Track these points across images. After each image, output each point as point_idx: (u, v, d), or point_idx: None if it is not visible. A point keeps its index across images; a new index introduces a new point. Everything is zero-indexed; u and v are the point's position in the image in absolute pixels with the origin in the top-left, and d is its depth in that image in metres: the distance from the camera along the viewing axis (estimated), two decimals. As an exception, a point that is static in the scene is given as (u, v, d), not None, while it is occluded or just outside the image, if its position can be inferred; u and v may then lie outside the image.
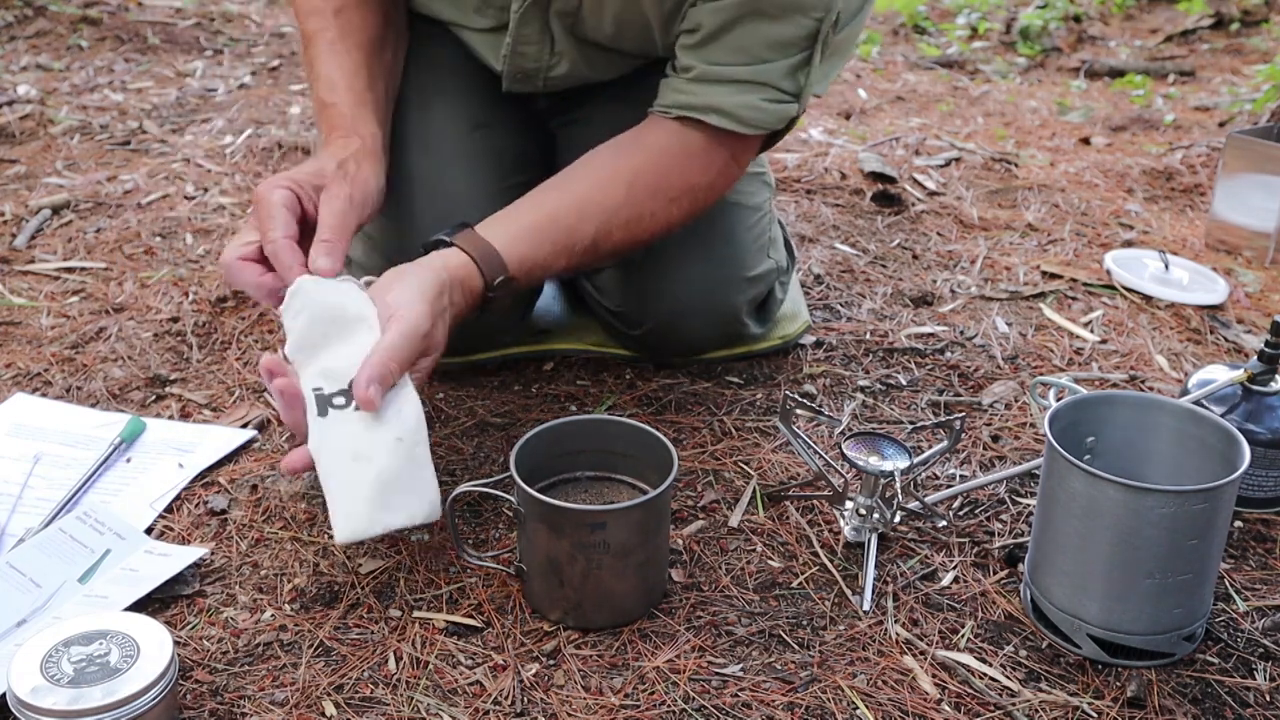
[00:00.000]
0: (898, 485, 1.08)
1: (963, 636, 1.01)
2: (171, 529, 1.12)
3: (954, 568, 1.09)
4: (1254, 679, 0.97)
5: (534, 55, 1.30)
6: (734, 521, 1.15)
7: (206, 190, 2.02)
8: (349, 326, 1.04)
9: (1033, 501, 1.19)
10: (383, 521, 0.98)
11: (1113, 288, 1.73)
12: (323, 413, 1.00)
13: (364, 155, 1.16)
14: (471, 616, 1.01)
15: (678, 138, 1.21)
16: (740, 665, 0.96)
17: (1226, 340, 1.59)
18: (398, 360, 1.00)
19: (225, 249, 1.09)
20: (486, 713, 0.91)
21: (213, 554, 1.08)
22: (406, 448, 1.00)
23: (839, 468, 1.19)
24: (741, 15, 1.14)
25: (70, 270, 1.68)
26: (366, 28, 1.26)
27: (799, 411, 1.25)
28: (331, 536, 1.11)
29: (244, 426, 1.28)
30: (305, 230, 1.09)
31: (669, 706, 0.91)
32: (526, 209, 1.18)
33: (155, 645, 0.87)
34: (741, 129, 1.20)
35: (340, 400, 1.01)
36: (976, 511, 1.18)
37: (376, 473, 0.98)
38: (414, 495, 1.00)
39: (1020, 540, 1.13)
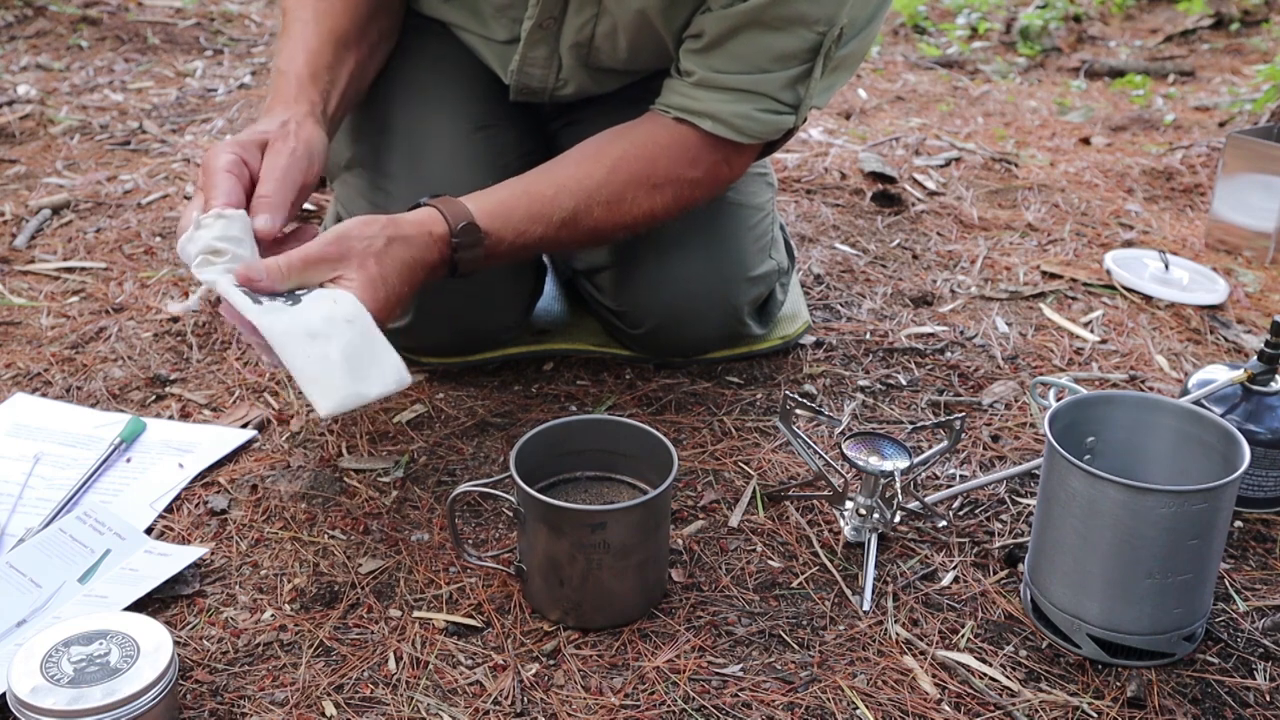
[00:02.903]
0: (898, 485, 1.08)
1: (963, 636, 1.01)
2: (171, 529, 1.12)
3: (954, 568, 1.09)
4: (1254, 679, 0.97)
5: (540, 77, 1.31)
6: (734, 521, 1.15)
7: (206, 190, 2.02)
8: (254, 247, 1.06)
9: (1033, 501, 1.19)
10: (360, 393, 0.99)
11: (1113, 288, 1.73)
12: (257, 301, 1.01)
13: (305, 117, 1.15)
14: (471, 616, 1.01)
15: (669, 132, 1.21)
16: (740, 665, 0.96)
17: (1226, 340, 1.59)
18: (303, 254, 1.03)
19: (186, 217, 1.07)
20: (486, 713, 0.91)
21: (213, 554, 1.08)
22: (358, 327, 1.01)
23: (839, 468, 1.19)
24: (744, 25, 1.14)
25: (70, 270, 1.68)
26: (346, 15, 1.25)
27: (799, 411, 1.25)
28: (333, 537, 1.11)
29: (244, 426, 1.28)
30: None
31: (669, 706, 0.91)
32: (506, 183, 1.20)
33: (155, 645, 0.87)
34: (736, 137, 1.20)
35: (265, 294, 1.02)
36: (976, 511, 1.18)
37: (340, 347, 0.99)
38: (382, 365, 1.02)
39: (1020, 540, 1.13)
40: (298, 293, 1.04)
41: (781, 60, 1.17)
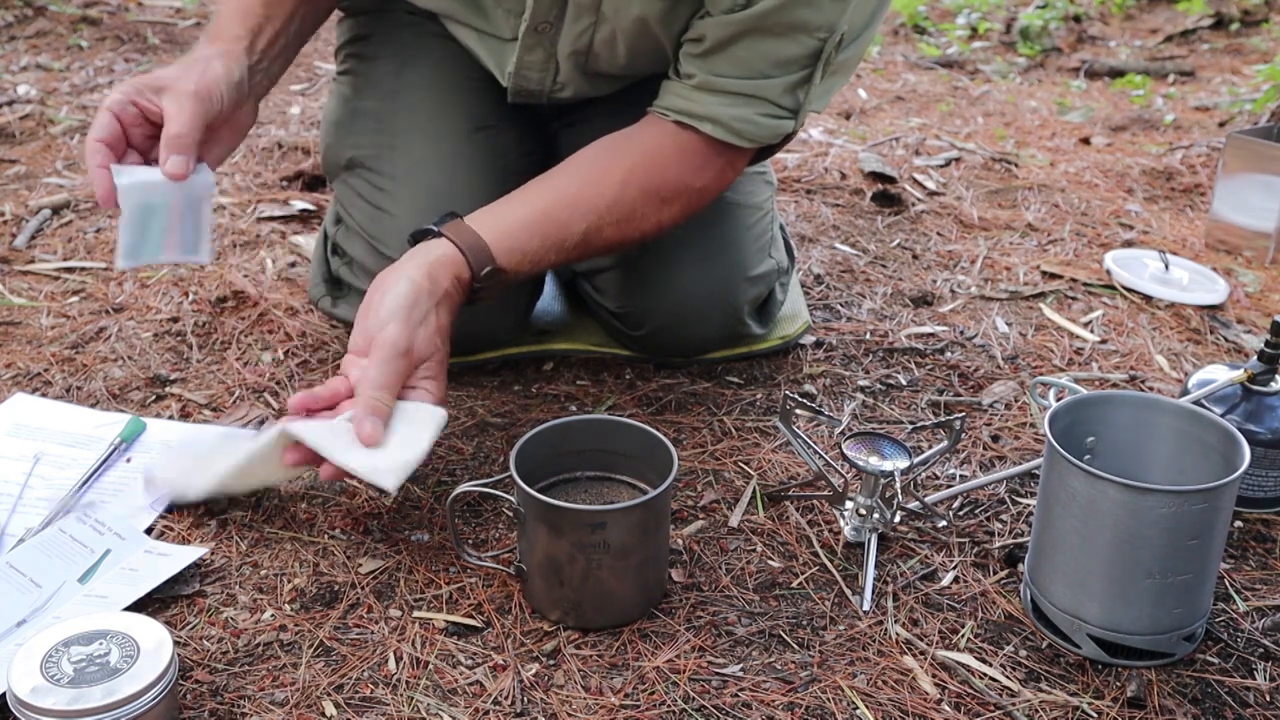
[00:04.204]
0: (898, 485, 1.08)
1: (963, 636, 1.01)
2: (171, 529, 1.12)
3: (954, 568, 1.09)
4: (1254, 679, 0.97)
5: (538, 80, 1.31)
6: (734, 521, 1.15)
7: (206, 190, 2.02)
8: (230, 442, 1.14)
9: (1033, 501, 1.19)
10: (416, 457, 1.03)
11: (1113, 288, 1.73)
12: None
13: (215, 55, 1.15)
14: (471, 616, 1.01)
15: (674, 139, 1.21)
16: (740, 665, 0.96)
17: (1226, 340, 1.59)
18: (384, 386, 1.05)
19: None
20: (486, 713, 0.91)
21: (213, 554, 1.08)
22: (394, 419, 1.06)
23: (839, 468, 1.19)
24: (746, 31, 1.14)
25: (70, 270, 1.68)
26: None
27: (799, 411, 1.25)
28: (333, 537, 1.11)
29: (244, 426, 1.28)
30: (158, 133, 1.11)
31: (669, 706, 0.91)
32: (517, 203, 1.19)
33: (155, 645, 0.87)
34: (736, 140, 1.20)
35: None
36: (976, 511, 1.18)
37: (390, 441, 1.04)
38: (421, 419, 1.06)
39: (1020, 540, 1.13)
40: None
41: (782, 66, 1.17)
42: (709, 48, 1.17)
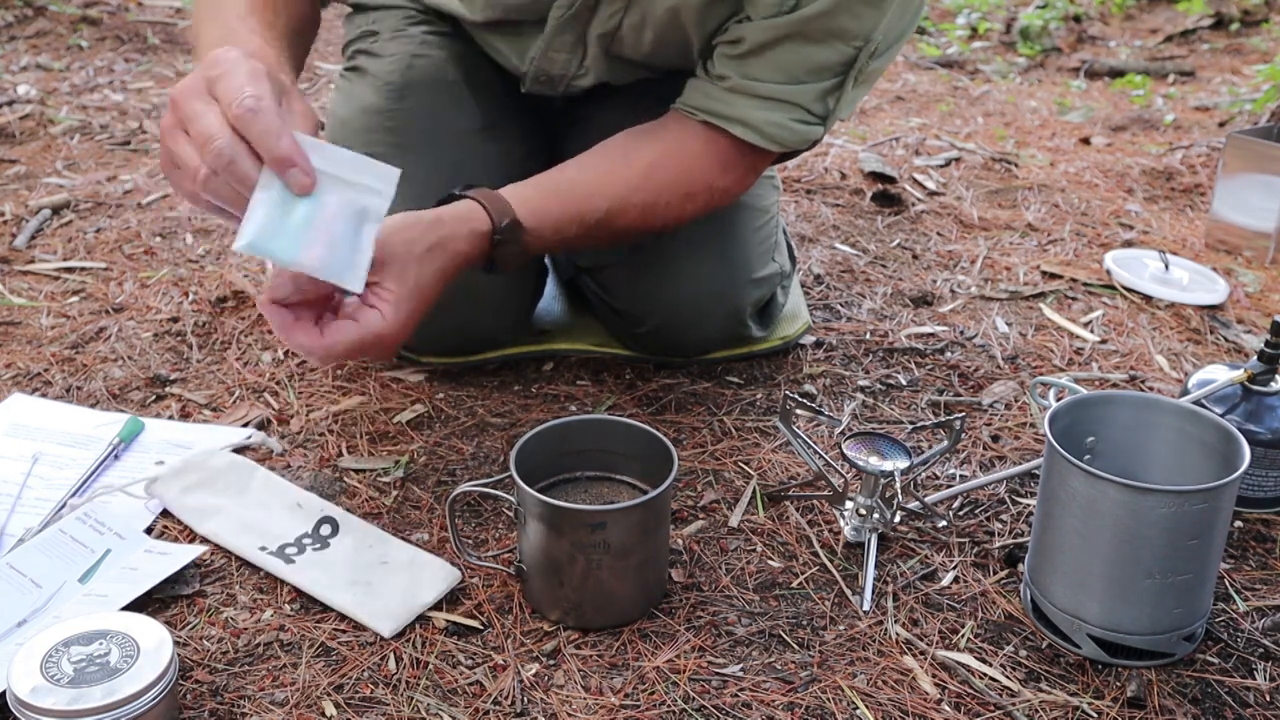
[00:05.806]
0: (898, 485, 1.08)
1: (963, 636, 1.01)
2: (171, 528, 1.12)
3: (954, 568, 1.09)
4: (1254, 679, 0.97)
5: (563, 64, 1.31)
6: (734, 521, 1.15)
7: (206, 190, 2.01)
8: (241, 474, 1.15)
9: (1033, 501, 1.19)
10: (415, 607, 1.01)
11: (1113, 288, 1.73)
12: (289, 562, 1.05)
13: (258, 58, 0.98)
14: (472, 616, 1.01)
15: (702, 137, 1.21)
16: (740, 665, 0.96)
17: (1226, 340, 1.59)
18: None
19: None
20: (486, 713, 0.91)
21: (213, 553, 1.08)
22: (393, 563, 1.05)
23: (839, 468, 1.19)
24: (785, 36, 1.15)
25: (70, 270, 1.68)
26: None
27: (799, 411, 1.25)
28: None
29: (244, 426, 1.28)
30: None
31: (669, 706, 0.91)
32: (543, 176, 1.19)
33: (155, 645, 0.87)
34: (766, 144, 1.20)
35: (293, 550, 1.06)
36: (976, 511, 1.18)
37: (387, 583, 1.02)
38: (427, 571, 1.04)
39: (1020, 540, 1.13)
40: (323, 534, 1.08)
41: (817, 72, 1.17)
42: (746, 51, 1.17)
